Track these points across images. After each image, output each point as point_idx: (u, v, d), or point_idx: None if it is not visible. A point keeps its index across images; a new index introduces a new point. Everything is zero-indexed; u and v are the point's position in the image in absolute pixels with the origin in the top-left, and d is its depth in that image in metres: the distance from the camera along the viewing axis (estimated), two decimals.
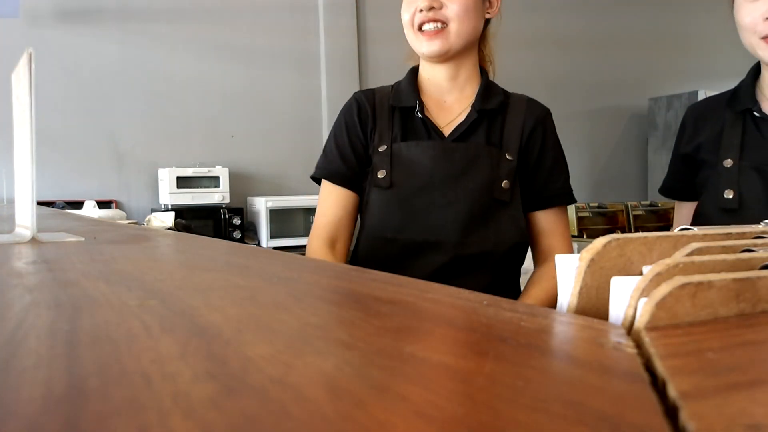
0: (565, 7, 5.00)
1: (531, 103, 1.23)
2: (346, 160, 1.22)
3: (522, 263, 1.24)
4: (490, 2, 1.20)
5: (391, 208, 1.17)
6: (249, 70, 3.93)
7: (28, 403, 0.22)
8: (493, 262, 1.17)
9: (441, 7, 1.14)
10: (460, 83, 1.22)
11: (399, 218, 1.16)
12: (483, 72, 1.25)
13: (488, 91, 1.21)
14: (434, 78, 1.23)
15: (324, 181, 1.25)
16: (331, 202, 1.23)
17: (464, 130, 1.19)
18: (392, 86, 1.27)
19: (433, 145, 1.17)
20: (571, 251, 1.15)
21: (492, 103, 1.20)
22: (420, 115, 1.20)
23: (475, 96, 1.21)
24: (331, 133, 1.27)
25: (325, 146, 1.28)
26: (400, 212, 1.16)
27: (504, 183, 1.15)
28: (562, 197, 1.22)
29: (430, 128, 1.20)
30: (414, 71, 1.27)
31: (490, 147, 1.17)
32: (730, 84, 1.28)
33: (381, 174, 1.18)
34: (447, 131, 1.20)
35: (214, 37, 3.83)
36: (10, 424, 0.20)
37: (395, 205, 1.17)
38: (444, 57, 1.18)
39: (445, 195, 1.15)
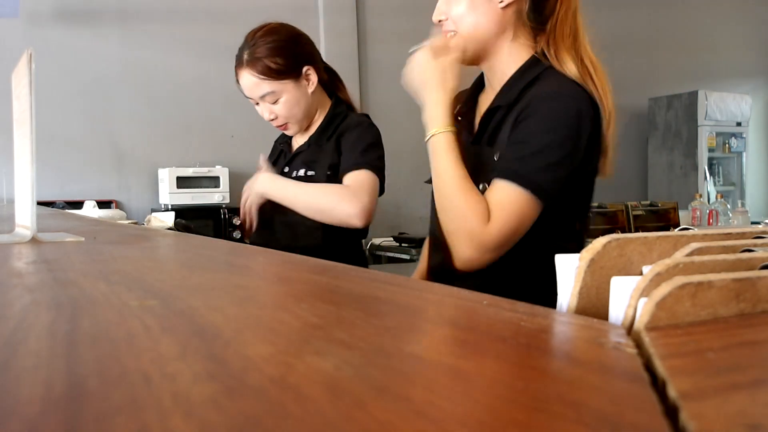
0: None
1: (539, 87, 1.04)
2: None
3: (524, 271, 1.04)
4: None
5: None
6: None
7: (28, 403, 0.22)
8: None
9: (447, 18, 1.09)
10: (498, 77, 1.11)
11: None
12: (535, 62, 1.07)
13: (512, 89, 1.07)
14: (484, 70, 1.15)
15: None
16: None
17: (478, 131, 1.11)
18: None
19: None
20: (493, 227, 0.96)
21: (508, 97, 1.06)
22: (458, 117, 1.13)
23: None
24: None
25: None
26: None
27: (481, 186, 1.03)
28: (501, 171, 1.01)
29: (464, 129, 1.12)
30: None
31: (482, 147, 1.07)
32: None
33: None
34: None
35: (214, 37, 3.83)
36: (10, 424, 0.19)
37: None
38: (465, 62, 1.10)
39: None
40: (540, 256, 1.00)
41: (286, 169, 1.55)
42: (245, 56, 1.46)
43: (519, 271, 1.02)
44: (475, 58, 1.10)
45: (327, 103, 1.56)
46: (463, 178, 1.00)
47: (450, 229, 1.01)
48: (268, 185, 1.47)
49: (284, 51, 1.46)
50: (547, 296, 1.13)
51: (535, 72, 1.05)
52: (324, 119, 1.53)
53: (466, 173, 1.01)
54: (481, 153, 1.06)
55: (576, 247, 1.17)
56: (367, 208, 1.33)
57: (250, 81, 1.46)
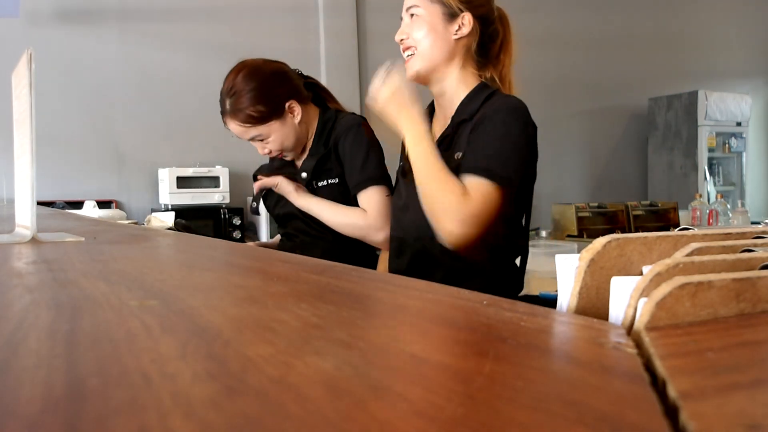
0: (565, 8, 5.00)
1: (494, 102, 1.24)
2: None
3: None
4: (460, 25, 1.25)
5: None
6: None
7: (28, 403, 0.22)
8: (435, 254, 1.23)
9: (408, 37, 1.28)
10: (448, 99, 1.30)
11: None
12: (484, 86, 1.27)
13: (470, 104, 1.26)
14: (435, 95, 1.35)
15: None
16: None
17: (441, 142, 1.27)
18: None
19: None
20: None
21: (469, 111, 1.26)
22: None
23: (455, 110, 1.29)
24: None
25: None
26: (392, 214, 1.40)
27: None
28: (470, 169, 1.18)
29: None
30: None
31: (441, 152, 1.21)
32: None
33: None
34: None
35: (214, 37, 3.83)
36: (10, 424, 0.19)
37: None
38: (419, 79, 1.30)
39: (400, 198, 1.33)
40: (497, 251, 1.24)
41: (303, 174, 1.57)
42: (227, 106, 1.53)
43: (481, 265, 1.21)
44: (426, 76, 1.29)
45: (317, 114, 1.60)
46: (438, 163, 1.15)
47: (435, 210, 1.14)
48: (300, 200, 1.54)
49: (264, 97, 1.51)
50: (508, 287, 1.27)
51: (486, 93, 1.25)
52: (316, 130, 1.58)
53: (441, 160, 1.16)
54: (443, 157, 1.21)
55: (524, 243, 1.32)
56: (388, 235, 1.45)
57: (237, 129, 1.54)
